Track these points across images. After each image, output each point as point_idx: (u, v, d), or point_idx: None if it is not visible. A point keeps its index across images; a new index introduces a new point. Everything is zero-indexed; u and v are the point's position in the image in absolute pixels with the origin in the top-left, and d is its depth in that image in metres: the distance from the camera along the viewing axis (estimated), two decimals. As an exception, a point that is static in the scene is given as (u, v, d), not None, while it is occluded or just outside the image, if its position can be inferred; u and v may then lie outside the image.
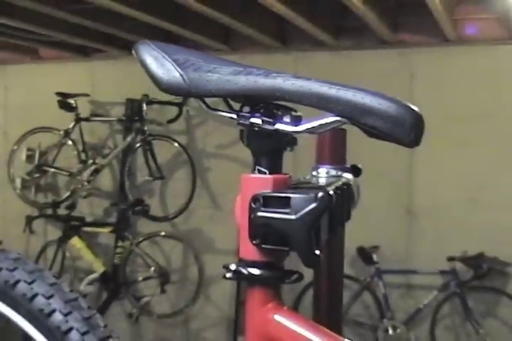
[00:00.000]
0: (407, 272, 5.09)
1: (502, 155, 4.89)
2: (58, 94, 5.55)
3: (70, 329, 1.11)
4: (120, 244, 5.46)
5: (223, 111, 0.98)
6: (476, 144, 4.94)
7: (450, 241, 4.93)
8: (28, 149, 5.90)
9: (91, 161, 5.58)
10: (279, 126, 0.94)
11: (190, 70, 0.96)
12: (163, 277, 5.38)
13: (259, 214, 0.91)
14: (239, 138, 1.00)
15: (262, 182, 0.95)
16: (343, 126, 0.99)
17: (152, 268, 5.37)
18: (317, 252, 0.90)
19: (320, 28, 4.85)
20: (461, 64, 5.01)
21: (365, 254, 5.04)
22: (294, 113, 0.96)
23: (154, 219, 5.48)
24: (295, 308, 5.16)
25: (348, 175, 1.28)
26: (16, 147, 5.90)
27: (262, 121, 0.95)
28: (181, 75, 0.95)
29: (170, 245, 5.65)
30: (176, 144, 5.38)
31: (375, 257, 5.05)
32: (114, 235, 5.53)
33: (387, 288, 5.05)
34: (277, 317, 0.97)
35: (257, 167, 0.97)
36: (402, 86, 4.99)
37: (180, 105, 5.32)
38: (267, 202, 0.92)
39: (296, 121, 0.94)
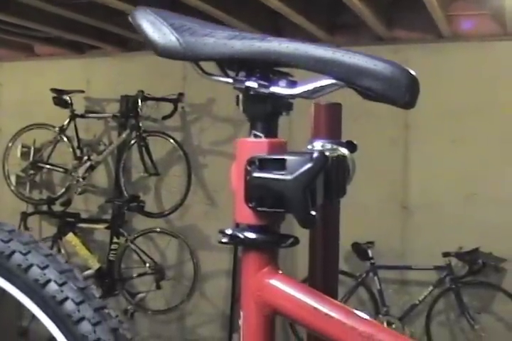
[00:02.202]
0: (402, 268, 5.08)
1: (497, 151, 4.89)
2: (53, 90, 5.54)
3: (65, 299, 1.11)
4: (115, 240, 5.45)
5: (219, 76, 0.98)
6: (471, 140, 4.95)
7: (445, 237, 4.93)
8: (23, 146, 5.89)
9: (86, 158, 5.56)
10: (274, 89, 0.94)
11: (187, 34, 0.96)
12: (159, 273, 5.37)
13: (255, 174, 0.91)
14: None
15: (257, 145, 0.95)
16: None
17: (147, 265, 5.35)
18: (313, 213, 0.90)
19: (315, 24, 4.85)
20: (456, 60, 5.03)
21: (360, 250, 5.04)
22: (289, 77, 0.96)
23: (149, 215, 5.47)
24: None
25: (344, 150, 1.28)
26: (10, 144, 5.88)
27: (258, 84, 0.95)
28: (177, 39, 0.96)
29: (165, 241, 5.64)
30: (172, 140, 5.37)
31: (370, 253, 5.05)
32: (109, 231, 5.52)
33: (383, 283, 5.05)
34: (273, 282, 0.97)
35: (253, 131, 0.97)
36: (397, 82, 4.99)
37: (175, 101, 5.32)
38: (263, 164, 0.93)
39: (292, 85, 0.95)
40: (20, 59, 6.21)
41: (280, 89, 0.94)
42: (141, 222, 5.61)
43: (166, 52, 0.96)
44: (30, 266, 1.13)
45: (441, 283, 4.95)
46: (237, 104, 0.98)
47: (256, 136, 0.96)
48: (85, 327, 1.09)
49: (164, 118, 5.39)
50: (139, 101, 5.35)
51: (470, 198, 4.94)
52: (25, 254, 1.15)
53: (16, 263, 1.14)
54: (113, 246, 5.45)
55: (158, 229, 5.59)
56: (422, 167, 5.08)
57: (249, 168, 0.93)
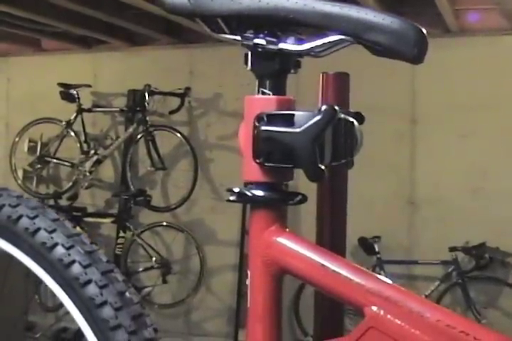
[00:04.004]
0: (409, 262, 5.07)
1: (504, 145, 4.88)
2: (60, 84, 5.55)
3: (72, 262, 1.11)
4: (122, 234, 5.45)
5: (227, 33, 0.98)
6: (477, 134, 4.94)
7: (452, 232, 4.92)
8: (30, 140, 5.89)
9: (93, 152, 5.57)
10: (282, 45, 0.94)
11: (195, -9, 0.96)
12: (165, 267, 5.37)
13: (263, 128, 0.91)
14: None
15: (265, 102, 0.95)
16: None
17: (154, 259, 5.35)
18: (322, 167, 0.90)
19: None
20: (463, 55, 5.02)
21: (366, 244, 5.03)
22: (297, 35, 0.96)
23: (156, 209, 5.47)
24: (296, 304, 5.17)
25: (352, 119, 1.27)
26: (18, 138, 5.88)
27: (266, 41, 0.95)
28: (185, -5, 0.95)
29: (171, 235, 5.63)
30: (178, 135, 5.38)
31: (376, 247, 5.03)
32: (115, 226, 5.52)
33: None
34: (280, 240, 0.96)
35: (261, 89, 0.97)
36: (404, 77, 4.99)
37: (182, 96, 5.33)
38: (271, 120, 0.92)
39: (300, 41, 0.94)
40: (27, 54, 6.22)
41: (288, 45, 0.94)
42: (148, 216, 5.61)
43: (174, 9, 0.96)
44: (38, 229, 1.13)
45: (447, 277, 4.94)
46: (246, 62, 0.98)
47: (264, 93, 0.96)
48: (92, 289, 1.09)
49: (171, 112, 5.40)
50: (146, 95, 5.35)
51: (477, 193, 4.92)
52: (32, 218, 1.15)
53: (23, 226, 1.14)
54: (119, 241, 5.45)
55: (164, 224, 5.59)
56: (429, 161, 5.06)
57: (257, 124, 0.93)
